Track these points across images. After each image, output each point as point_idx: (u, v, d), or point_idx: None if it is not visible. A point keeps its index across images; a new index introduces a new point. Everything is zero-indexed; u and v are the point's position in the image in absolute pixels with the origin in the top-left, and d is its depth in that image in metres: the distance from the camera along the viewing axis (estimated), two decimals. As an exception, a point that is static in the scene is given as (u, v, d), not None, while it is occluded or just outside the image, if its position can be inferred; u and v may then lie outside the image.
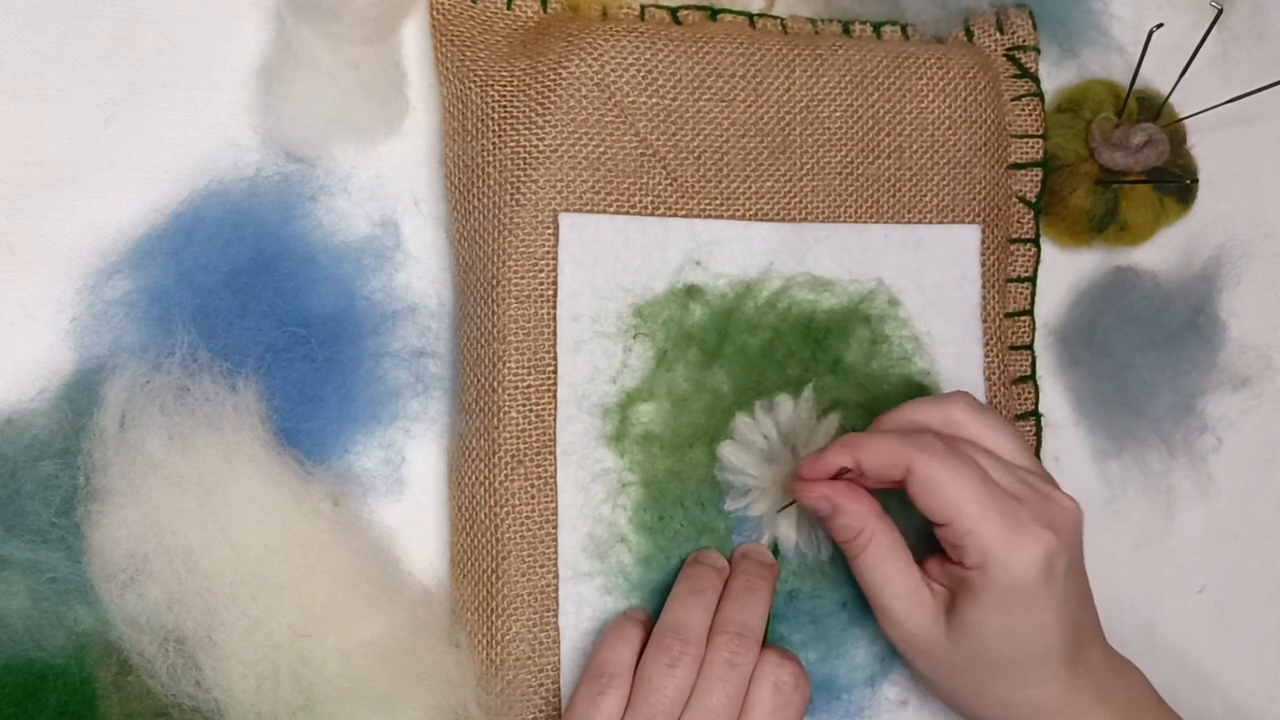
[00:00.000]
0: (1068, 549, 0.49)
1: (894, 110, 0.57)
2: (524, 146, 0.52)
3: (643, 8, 0.56)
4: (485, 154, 0.53)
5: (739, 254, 0.55)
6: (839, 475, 0.50)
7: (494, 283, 0.52)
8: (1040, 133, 0.59)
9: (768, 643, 0.51)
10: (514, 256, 0.52)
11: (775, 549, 0.54)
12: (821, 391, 0.55)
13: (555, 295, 0.52)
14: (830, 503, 0.50)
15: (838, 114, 0.56)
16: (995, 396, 0.58)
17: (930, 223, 0.57)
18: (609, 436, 0.53)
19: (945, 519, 0.48)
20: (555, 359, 0.52)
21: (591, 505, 0.52)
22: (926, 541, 0.51)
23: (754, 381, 0.54)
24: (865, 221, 0.56)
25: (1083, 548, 0.50)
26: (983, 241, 0.58)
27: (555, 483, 0.52)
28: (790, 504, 0.53)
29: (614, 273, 0.53)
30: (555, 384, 0.52)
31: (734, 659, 0.48)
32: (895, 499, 0.51)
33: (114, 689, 0.47)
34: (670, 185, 0.54)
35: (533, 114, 0.52)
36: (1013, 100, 0.59)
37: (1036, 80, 0.60)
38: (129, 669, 0.48)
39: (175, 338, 0.49)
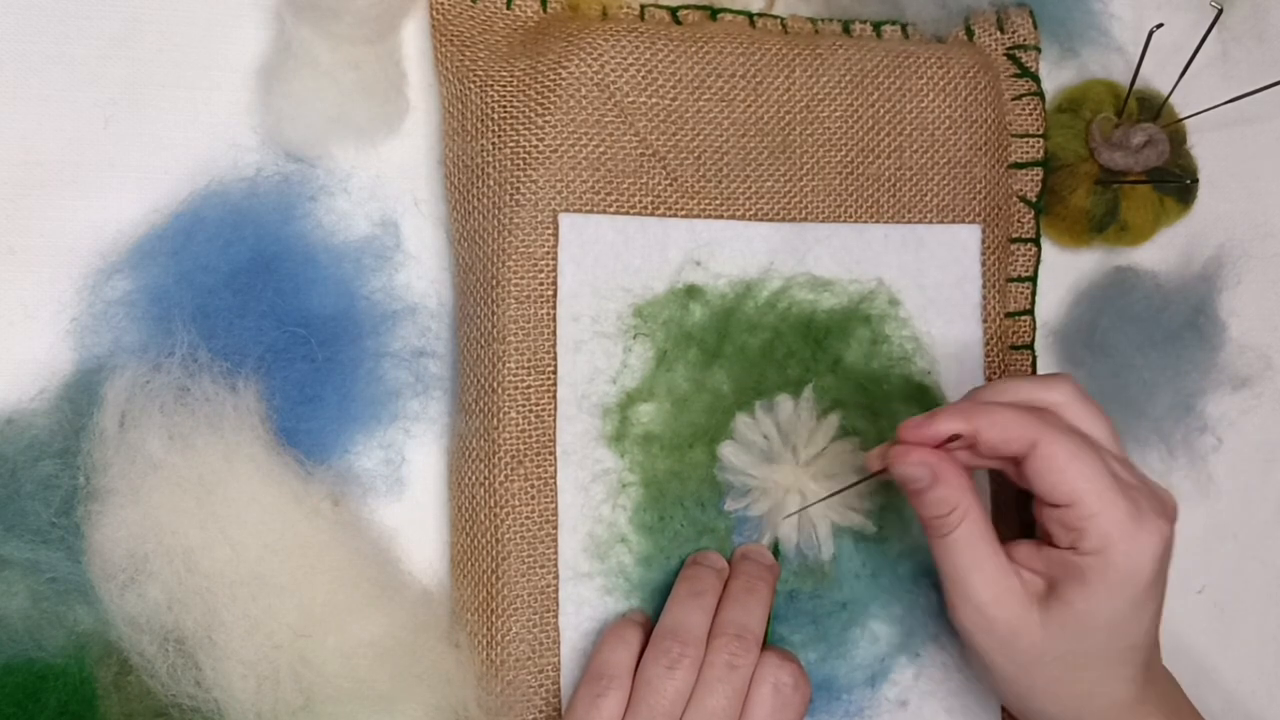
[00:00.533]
0: (1172, 544, 0.48)
1: (894, 110, 0.57)
2: (524, 146, 0.52)
3: (643, 8, 0.56)
4: (485, 154, 0.53)
5: (739, 254, 0.55)
6: (944, 445, 0.48)
7: (494, 283, 0.52)
8: (1040, 132, 0.59)
9: (768, 643, 0.51)
10: (514, 256, 0.52)
11: (775, 549, 0.54)
12: (822, 391, 0.55)
13: (555, 295, 0.52)
14: (932, 472, 0.47)
15: (838, 114, 0.56)
16: (995, 396, 0.58)
17: (930, 222, 0.57)
18: (609, 437, 0.53)
19: (1069, 500, 0.46)
20: (555, 359, 0.52)
21: (591, 505, 0.52)
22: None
23: (754, 381, 0.54)
24: (865, 221, 0.56)
25: None
26: (983, 241, 0.58)
27: (555, 483, 0.52)
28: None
29: (614, 273, 0.53)
30: (555, 384, 0.52)
31: (734, 660, 0.48)
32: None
33: (114, 689, 0.48)
34: (670, 185, 0.54)
35: (533, 114, 0.52)
36: (1013, 100, 0.59)
37: (1037, 80, 0.60)
38: (129, 669, 0.48)
39: (175, 338, 0.49)
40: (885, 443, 0.50)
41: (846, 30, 0.58)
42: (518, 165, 0.52)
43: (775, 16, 0.58)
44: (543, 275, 0.52)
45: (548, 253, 0.52)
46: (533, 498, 0.52)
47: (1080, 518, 0.46)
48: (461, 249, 0.54)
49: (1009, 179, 0.59)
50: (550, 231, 0.52)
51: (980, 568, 0.48)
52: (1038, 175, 0.59)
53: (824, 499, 0.52)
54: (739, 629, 0.49)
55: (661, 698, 0.47)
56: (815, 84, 0.56)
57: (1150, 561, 0.47)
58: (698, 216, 0.54)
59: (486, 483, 0.52)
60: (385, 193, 0.55)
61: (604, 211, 0.53)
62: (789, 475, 0.53)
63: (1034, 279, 0.60)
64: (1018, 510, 0.56)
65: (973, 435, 0.47)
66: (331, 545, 0.49)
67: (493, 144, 0.53)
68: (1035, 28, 0.60)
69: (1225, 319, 0.62)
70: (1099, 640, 0.48)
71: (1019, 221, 0.59)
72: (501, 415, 0.52)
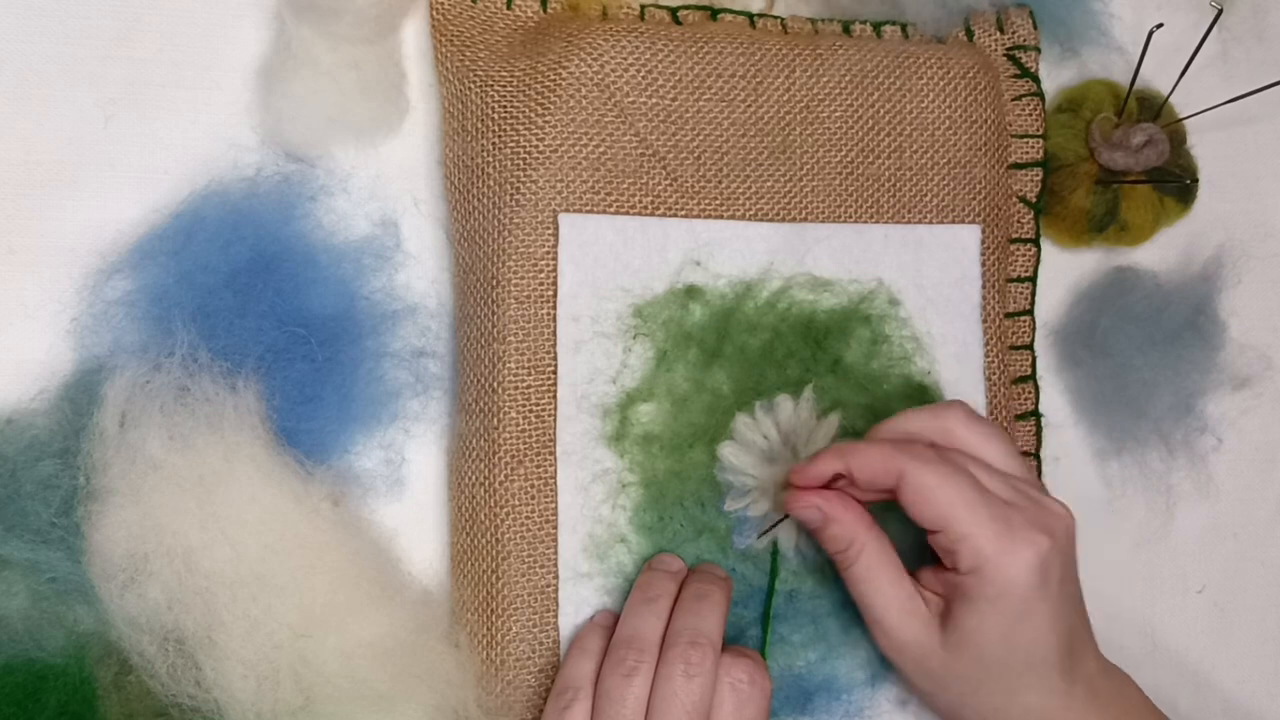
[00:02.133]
0: (1061, 553, 0.49)
1: (894, 110, 0.57)
2: (524, 147, 0.52)
3: (643, 8, 0.56)
4: (485, 154, 0.53)
5: (739, 254, 0.55)
6: (831, 484, 0.50)
7: (494, 283, 0.52)
8: (1040, 132, 0.59)
9: (749, 645, 0.51)
10: (514, 257, 0.52)
11: (775, 549, 0.54)
12: (821, 392, 0.55)
13: (555, 295, 0.52)
14: (821, 513, 0.50)
15: (838, 114, 0.56)
16: (995, 396, 0.58)
17: (930, 223, 0.57)
18: (609, 437, 0.53)
19: (938, 525, 0.48)
20: (555, 359, 0.52)
21: (591, 505, 0.52)
22: (920, 554, 0.51)
23: (754, 382, 0.54)
24: (865, 221, 0.56)
25: (1076, 555, 0.50)
26: (983, 241, 0.58)
27: (555, 483, 0.52)
28: (783, 519, 0.53)
29: (614, 273, 0.53)
30: (555, 384, 0.52)
31: (689, 670, 0.47)
32: (893, 514, 0.51)
33: (114, 689, 0.48)
34: (670, 185, 0.54)
35: (532, 114, 0.52)
36: (1013, 100, 0.59)
37: (1037, 80, 0.60)
38: (129, 669, 0.48)
39: (175, 338, 0.49)
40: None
41: (846, 30, 0.58)
42: (518, 165, 0.52)
43: (775, 17, 0.58)
44: (542, 275, 0.52)
45: (547, 253, 0.52)
46: (532, 498, 0.52)
47: (953, 540, 0.48)
48: (461, 249, 0.54)
49: (1009, 179, 0.59)
50: (550, 232, 0.52)
51: (882, 593, 0.50)
52: (1037, 175, 0.59)
53: (774, 525, 0.53)
54: (693, 635, 0.48)
55: (622, 707, 0.47)
56: (815, 84, 0.56)
57: (1025, 573, 0.48)
58: (698, 217, 0.54)
59: (486, 483, 0.52)
60: (385, 193, 0.55)
61: (604, 212, 0.53)
62: (789, 475, 0.53)
63: (1034, 279, 0.60)
64: None
65: (849, 473, 0.49)
66: (331, 545, 0.49)
67: (493, 144, 0.53)
68: (1035, 28, 0.60)
69: (1225, 319, 0.62)
70: (995, 655, 0.49)
71: (1019, 221, 0.59)
72: (501, 415, 0.52)
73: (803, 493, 0.50)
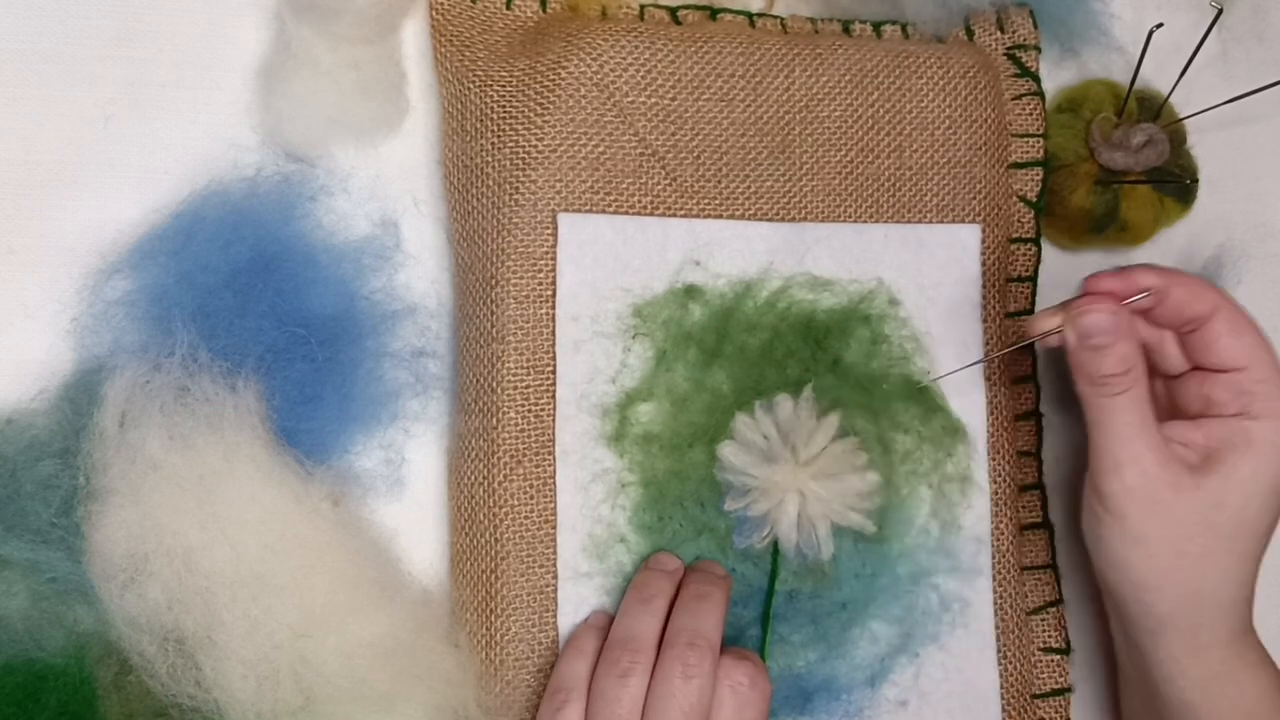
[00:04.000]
0: None
1: (894, 110, 0.57)
2: (523, 146, 0.52)
3: (642, 8, 0.56)
4: (485, 154, 0.53)
5: (738, 254, 0.55)
6: (1127, 303, 0.49)
7: (493, 283, 0.52)
8: (1040, 132, 0.59)
9: (750, 646, 0.51)
10: (513, 256, 0.52)
11: (775, 549, 0.54)
12: (821, 391, 0.55)
13: (554, 295, 0.52)
14: (1117, 322, 0.48)
15: (837, 113, 0.56)
16: (995, 396, 0.58)
17: (930, 222, 0.57)
18: (608, 436, 0.53)
19: (1246, 362, 0.48)
20: (554, 359, 0.52)
21: (591, 505, 0.52)
22: None
23: (754, 381, 0.54)
24: (865, 221, 0.56)
25: None
26: (983, 241, 0.58)
27: (554, 483, 0.52)
28: (1043, 335, 0.50)
29: (613, 273, 0.53)
30: (554, 384, 0.52)
31: (688, 671, 0.47)
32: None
33: (114, 689, 0.48)
34: (669, 185, 0.54)
35: (532, 114, 0.52)
36: (1013, 99, 0.59)
37: (1037, 79, 0.60)
38: (129, 669, 0.48)
39: (175, 338, 0.49)
40: (1057, 305, 0.50)
41: (846, 30, 0.58)
42: (517, 165, 0.52)
43: (775, 17, 0.58)
44: (542, 275, 0.52)
45: (547, 252, 0.52)
46: (532, 497, 0.52)
47: (1255, 380, 0.48)
48: (461, 249, 0.54)
49: (1009, 179, 0.59)
50: (549, 231, 0.52)
51: (1147, 431, 0.48)
52: (1038, 175, 0.59)
53: (959, 370, 0.53)
54: (691, 636, 0.48)
55: (617, 707, 0.47)
56: (815, 84, 0.56)
57: None
58: (697, 216, 0.54)
59: (486, 482, 0.52)
60: (385, 193, 0.55)
61: (603, 211, 0.53)
62: (789, 475, 0.53)
63: (1034, 279, 0.60)
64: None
65: (1163, 292, 0.48)
66: (331, 545, 0.49)
67: (492, 144, 0.53)
68: (1035, 28, 0.60)
69: (1225, 319, 0.62)
70: (1256, 510, 0.48)
71: (1019, 221, 0.59)
72: (501, 415, 0.52)
73: (1102, 298, 0.48)
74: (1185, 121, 0.61)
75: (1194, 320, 0.49)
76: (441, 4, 0.54)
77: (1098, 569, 0.52)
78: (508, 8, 0.55)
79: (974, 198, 0.58)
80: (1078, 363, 0.49)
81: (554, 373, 0.52)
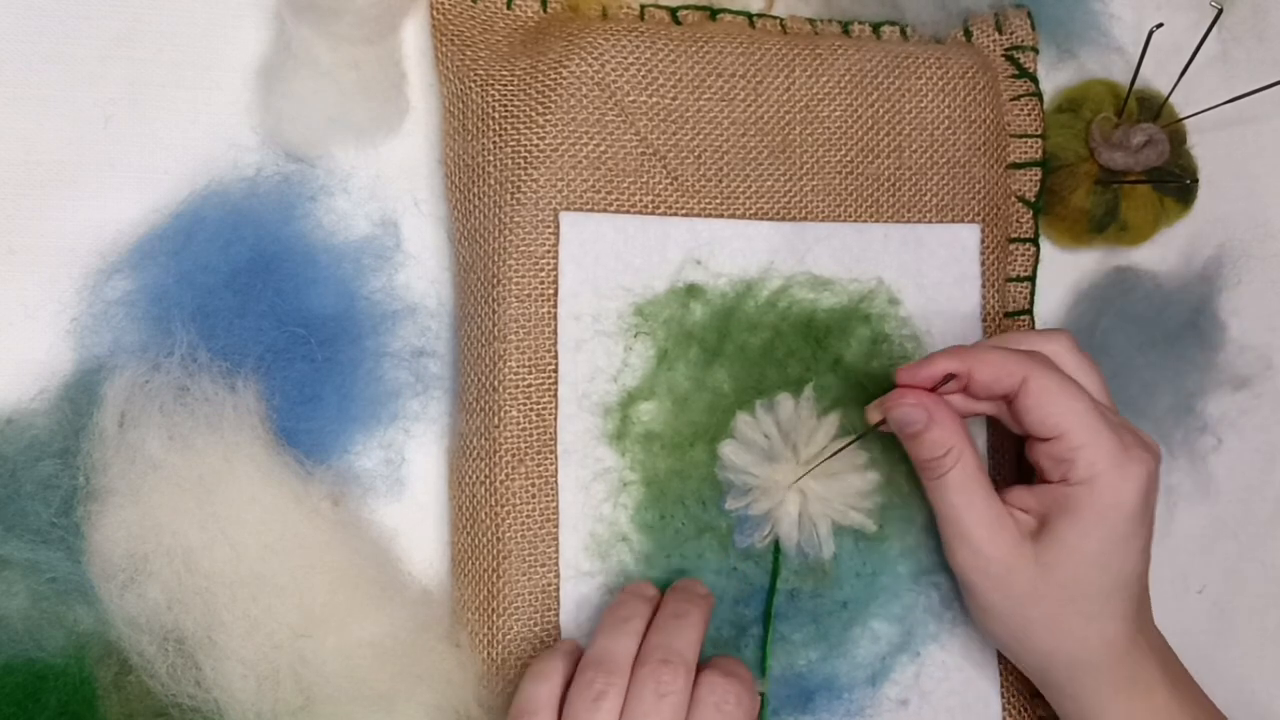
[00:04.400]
0: (1156, 482, 0.49)
1: (893, 110, 0.57)
2: (524, 146, 0.52)
3: (643, 7, 0.56)
4: (485, 153, 0.53)
5: (739, 253, 0.55)
6: (938, 387, 0.49)
7: (494, 282, 0.52)
8: (1039, 132, 0.59)
9: (717, 656, 0.51)
10: (514, 255, 0.52)
11: (776, 548, 0.54)
12: (822, 390, 0.55)
13: (556, 294, 0.52)
14: (927, 414, 0.49)
15: (837, 113, 0.56)
16: (995, 396, 0.58)
17: (930, 222, 0.57)
18: (610, 435, 0.53)
19: (1057, 431, 0.48)
20: (556, 358, 0.52)
21: (592, 504, 0.52)
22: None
23: (754, 380, 0.54)
24: (865, 221, 0.56)
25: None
26: (982, 241, 0.58)
27: (556, 482, 0.52)
28: (870, 430, 0.52)
29: (614, 272, 0.53)
30: (556, 383, 0.52)
31: (660, 689, 0.45)
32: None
33: (114, 689, 0.47)
34: (671, 184, 0.54)
35: (533, 113, 0.52)
36: (1011, 100, 0.59)
37: (1035, 80, 0.60)
38: (129, 669, 0.48)
39: (175, 338, 0.49)
40: (879, 399, 0.51)
41: (846, 31, 0.58)
42: (518, 164, 0.52)
43: (775, 17, 0.58)
44: (543, 274, 0.52)
45: (548, 251, 0.52)
46: (534, 496, 0.52)
47: (1069, 449, 0.48)
48: (462, 248, 0.54)
49: (1008, 179, 0.59)
50: (551, 230, 0.52)
51: (974, 507, 0.49)
52: (1036, 175, 0.59)
53: (827, 457, 0.52)
54: (665, 653, 0.46)
55: None
56: (815, 84, 0.56)
57: (1136, 493, 0.48)
58: (698, 215, 0.54)
59: (487, 481, 0.52)
60: (385, 193, 0.55)
61: (604, 210, 0.53)
62: (789, 474, 0.53)
63: (1033, 279, 0.60)
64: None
65: (966, 375, 0.49)
66: (331, 545, 0.49)
67: (493, 143, 0.53)
68: (1033, 29, 0.60)
69: (1225, 319, 0.62)
70: (1090, 574, 0.49)
71: (1018, 221, 0.59)
72: (502, 414, 0.52)
73: (909, 391, 0.49)
74: (1185, 121, 0.61)
75: (1007, 393, 0.49)
76: (442, 4, 0.54)
77: None
78: (508, 7, 0.55)
79: (973, 197, 0.58)
80: (906, 449, 0.51)
81: (555, 371, 0.52)
